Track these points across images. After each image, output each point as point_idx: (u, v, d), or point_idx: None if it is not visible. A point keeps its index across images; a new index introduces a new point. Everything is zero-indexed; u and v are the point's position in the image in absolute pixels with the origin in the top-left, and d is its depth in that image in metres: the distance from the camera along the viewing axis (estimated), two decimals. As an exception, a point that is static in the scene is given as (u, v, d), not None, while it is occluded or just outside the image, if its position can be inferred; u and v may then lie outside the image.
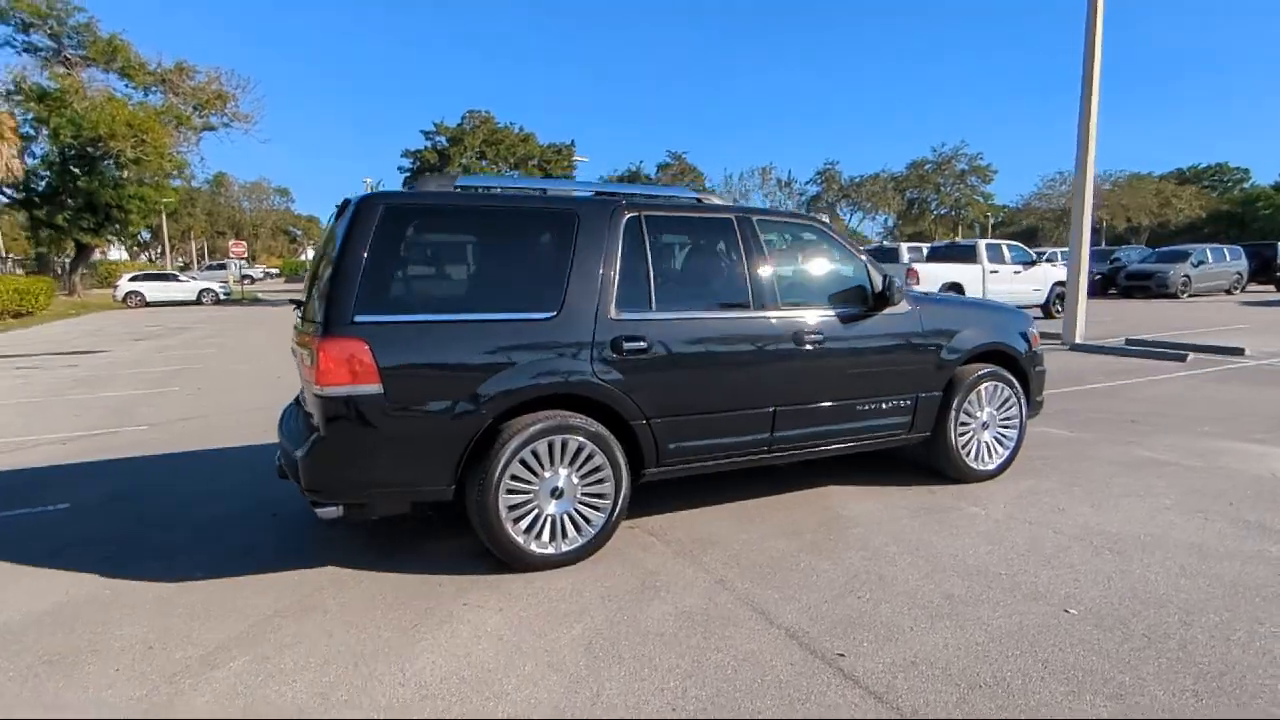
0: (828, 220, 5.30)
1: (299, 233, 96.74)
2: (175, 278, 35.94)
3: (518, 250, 3.86)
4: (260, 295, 41.07)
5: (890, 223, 47.99)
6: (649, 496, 4.77)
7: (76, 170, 33.69)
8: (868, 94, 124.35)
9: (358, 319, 3.37)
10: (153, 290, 33.33)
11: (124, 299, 31.89)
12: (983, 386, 4.97)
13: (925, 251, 18.19)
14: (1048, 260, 18.88)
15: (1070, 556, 3.79)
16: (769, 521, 4.40)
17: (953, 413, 4.85)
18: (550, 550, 3.75)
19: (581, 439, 3.76)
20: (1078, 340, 12.28)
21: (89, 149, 33.03)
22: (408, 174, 31.17)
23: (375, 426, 3.40)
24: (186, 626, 3.26)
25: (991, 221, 58.03)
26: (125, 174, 34.98)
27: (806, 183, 39.14)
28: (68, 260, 40.03)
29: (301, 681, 2.80)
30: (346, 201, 3.73)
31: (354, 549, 4.09)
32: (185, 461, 6.08)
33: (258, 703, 2.67)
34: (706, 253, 4.43)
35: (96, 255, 52.31)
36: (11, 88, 33.42)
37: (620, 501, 3.90)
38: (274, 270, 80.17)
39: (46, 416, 8.07)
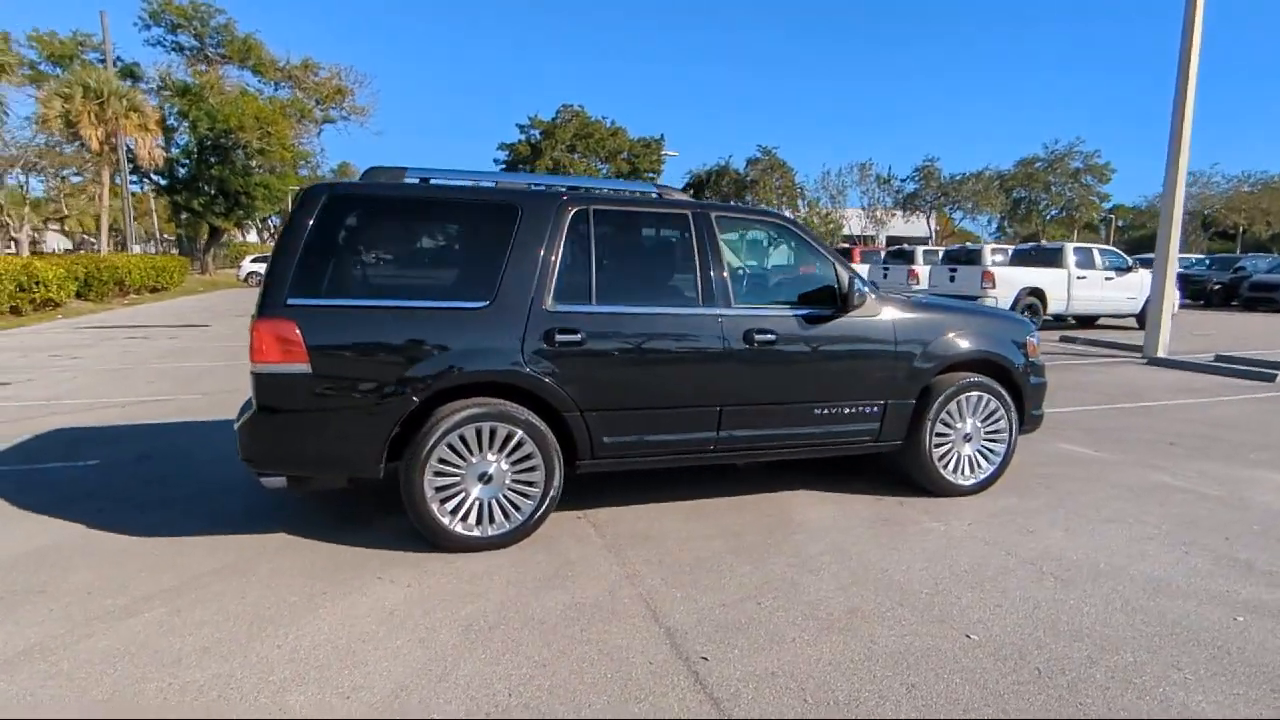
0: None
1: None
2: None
3: (455, 241, 3.95)
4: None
5: (994, 223, 45.55)
6: (607, 488, 4.80)
7: (211, 159, 36.45)
8: (979, 90, 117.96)
9: (290, 301, 3.54)
10: (271, 271, 35.69)
11: (245, 278, 34.31)
12: (964, 397, 4.69)
13: (1010, 254, 17.18)
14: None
15: (1008, 581, 3.55)
16: (717, 521, 4.32)
17: (928, 422, 4.61)
18: (476, 533, 3.83)
19: (511, 427, 3.82)
20: (1159, 354, 11.31)
21: (221, 140, 35.67)
22: (502, 166, 32.09)
23: (304, 403, 3.57)
24: (128, 577, 3.53)
25: (1116, 224, 54.13)
26: (253, 163, 37.57)
27: (904, 180, 37.61)
28: (204, 242, 43.43)
29: (195, 636, 2.99)
30: (300, 190, 3.91)
31: (313, 520, 4.30)
32: (219, 429, 6.53)
33: (144, 651, 2.87)
34: (658, 248, 4.39)
35: (235, 238, 56.54)
36: (159, 83, 36.49)
37: (551, 491, 3.93)
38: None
39: (124, 383, 8.85)
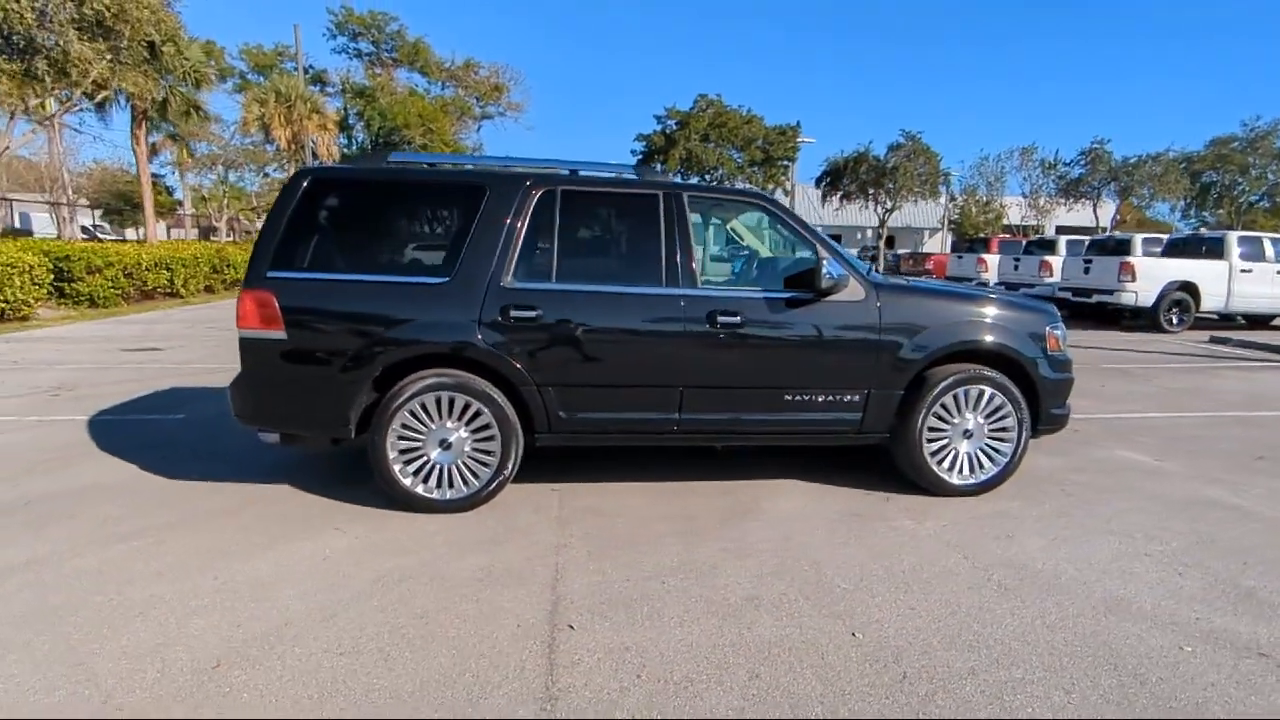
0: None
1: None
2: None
3: (423, 219, 4.15)
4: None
5: (1179, 210, 40.45)
6: (591, 464, 4.87)
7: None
8: (1150, 64, 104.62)
9: (269, 274, 3.89)
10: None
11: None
12: (962, 390, 4.33)
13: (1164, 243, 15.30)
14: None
15: (943, 585, 3.28)
16: (683, 503, 4.29)
17: (919, 416, 4.30)
18: (435, 496, 4.05)
19: (469, 398, 3.99)
20: (1322, 359, 9.72)
21: (391, 137, 38.62)
22: (639, 156, 32.55)
23: (280, 366, 3.92)
24: (143, 512, 4.04)
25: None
26: (421, 157, 40.36)
27: (1068, 164, 34.16)
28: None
29: (157, 563, 3.40)
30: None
31: (319, 476, 4.68)
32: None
33: (111, 571, 3.29)
34: (625, 229, 4.37)
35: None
36: (340, 87, 40.09)
37: (510, 460, 4.07)
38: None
39: (250, 350, 9.92)
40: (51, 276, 13.77)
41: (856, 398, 4.28)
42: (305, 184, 4.02)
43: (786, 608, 3.06)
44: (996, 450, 4.45)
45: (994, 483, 4.45)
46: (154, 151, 40.34)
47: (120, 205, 44.88)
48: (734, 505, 4.28)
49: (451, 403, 4.00)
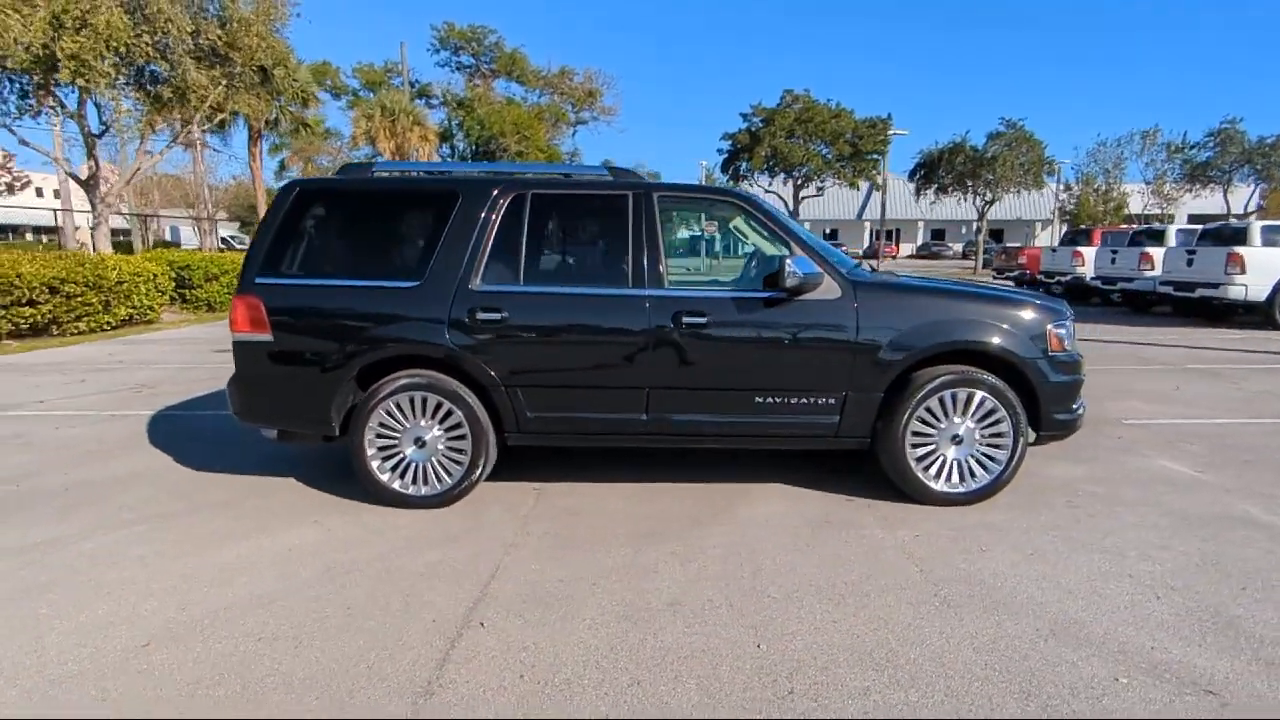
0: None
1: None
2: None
3: (398, 225, 4.29)
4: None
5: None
6: (584, 463, 4.88)
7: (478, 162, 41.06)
8: None
9: (258, 280, 4.14)
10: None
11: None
12: (949, 393, 4.07)
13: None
14: None
15: (884, 599, 3.10)
16: (658, 506, 4.24)
17: (902, 420, 4.07)
18: (409, 491, 4.18)
19: (440, 397, 4.10)
20: None
21: (488, 145, 40.00)
22: (725, 155, 32.25)
23: (269, 367, 4.16)
24: (159, 500, 4.38)
25: None
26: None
27: (1192, 147, 31.10)
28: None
29: (148, 548, 3.67)
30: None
31: (325, 471, 4.93)
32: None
33: (104, 555, 3.59)
34: (594, 230, 4.36)
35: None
36: (441, 99, 41.87)
37: (482, 458, 4.15)
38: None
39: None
40: (173, 284, 15.13)
41: (832, 400, 4.10)
42: (294, 194, 4.25)
43: (705, 615, 2.98)
44: (990, 458, 4.15)
45: (987, 492, 4.16)
46: (284, 167, 43.50)
47: (252, 218, 48.67)
48: (708, 508, 4.19)
49: (425, 402, 4.12)
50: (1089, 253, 16.26)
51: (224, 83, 18.22)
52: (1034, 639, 2.77)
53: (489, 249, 4.12)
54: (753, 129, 30.06)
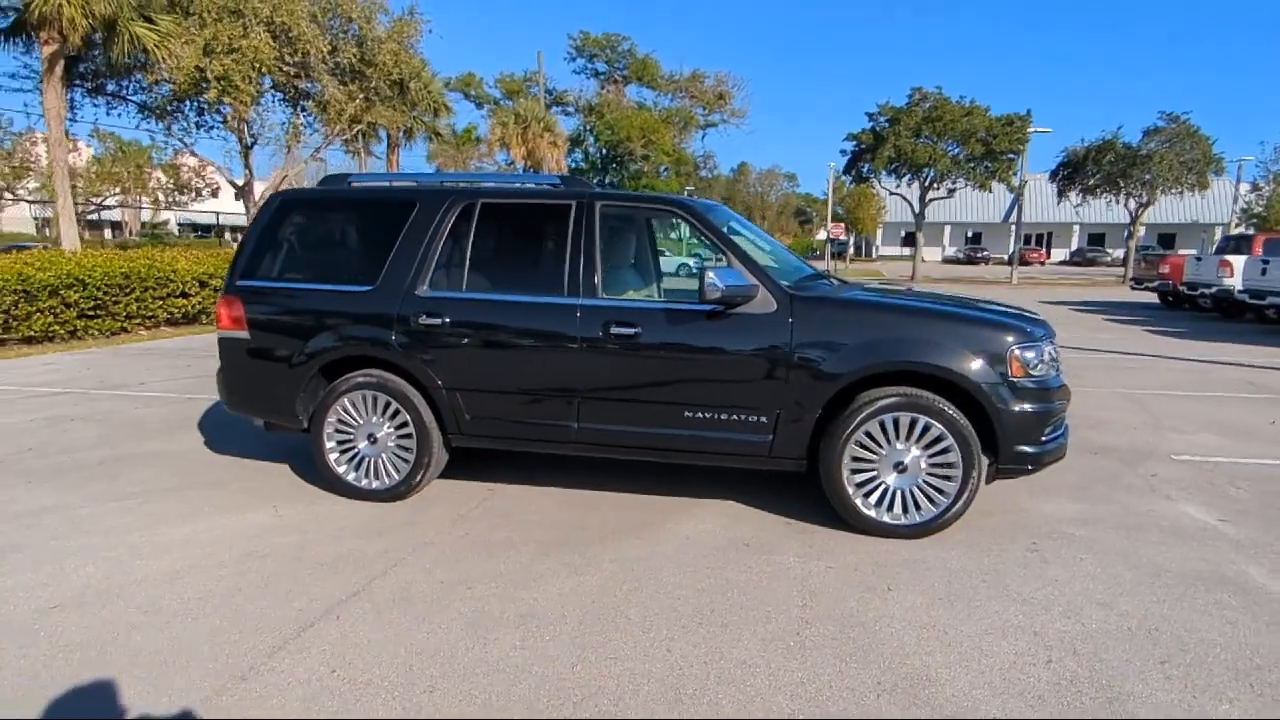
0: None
1: (813, 213, 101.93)
2: (662, 253, 42.68)
3: (359, 233, 4.50)
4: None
5: None
6: (549, 467, 4.91)
7: (610, 166, 42.03)
8: None
9: (239, 283, 4.49)
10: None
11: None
12: (891, 417, 3.74)
13: None
14: None
15: (742, 634, 2.92)
16: (592, 515, 4.20)
17: (839, 443, 3.80)
18: (362, 484, 4.39)
19: (388, 397, 4.28)
20: None
21: (616, 149, 40.82)
22: (848, 155, 31.02)
23: (247, 362, 4.50)
24: (161, 477, 4.86)
25: None
26: (642, 167, 42.26)
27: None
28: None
29: (129, 519, 4.08)
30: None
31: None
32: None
33: (90, 523, 4.03)
34: (538, 239, 4.35)
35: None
36: (574, 106, 43.18)
37: (427, 456, 4.28)
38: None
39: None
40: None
41: (764, 419, 3.89)
42: (276, 204, 4.58)
43: (548, 630, 2.94)
44: (938, 489, 3.78)
45: (934, 525, 3.79)
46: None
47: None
48: (641, 522, 4.10)
49: (376, 400, 4.31)
50: (1238, 262, 14.23)
51: (360, 96, 19.76)
52: (865, 693, 2.51)
53: (436, 257, 4.25)
54: (877, 129, 28.72)
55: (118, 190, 40.84)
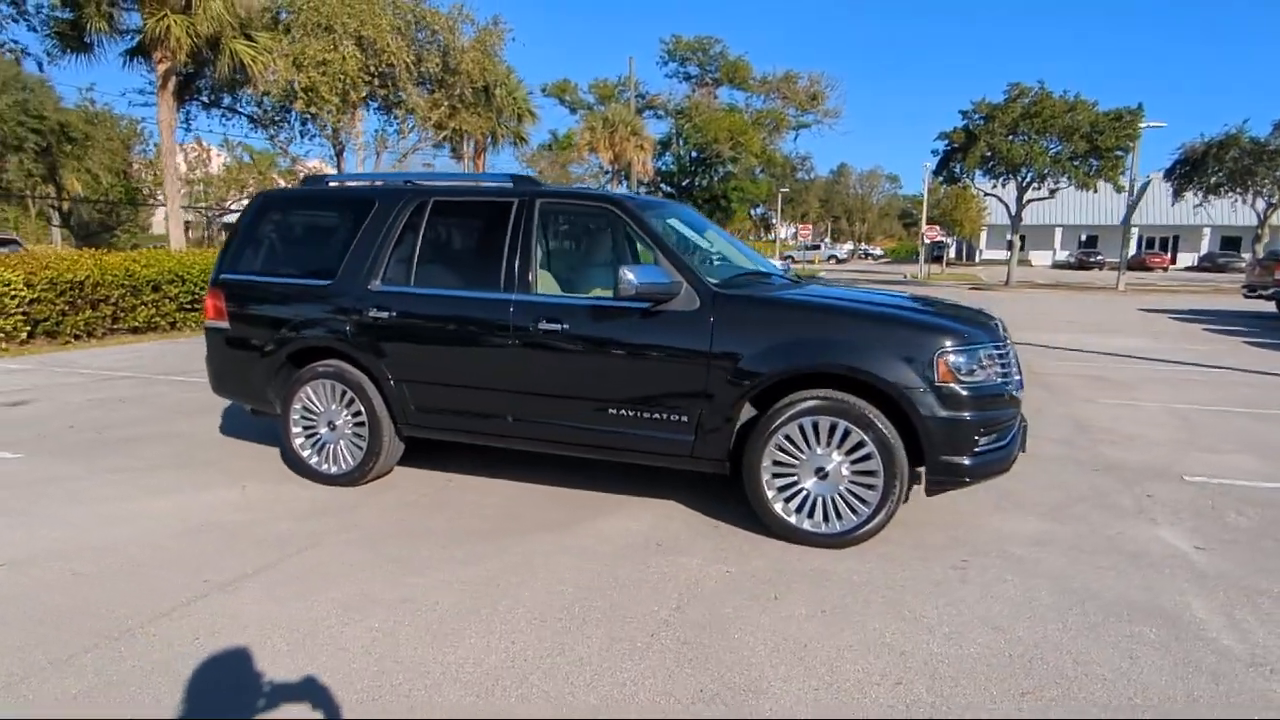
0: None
1: (917, 215, 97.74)
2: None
3: (324, 230, 4.71)
4: (824, 273, 44.26)
5: None
6: (519, 460, 4.97)
7: (698, 169, 41.95)
8: None
9: (222, 276, 4.81)
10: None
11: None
12: (810, 420, 3.58)
13: None
14: None
15: (593, 632, 2.89)
16: (525, 508, 4.25)
17: (761, 446, 3.67)
18: (323, 469, 4.61)
19: (345, 386, 4.47)
20: None
21: (704, 151, 40.68)
22: (940, 154, 29.54)
23: (227, 350, 4.82)
24: (166, 455, 5.26)
25: None
26: (731, 169, 41.93)
27: None
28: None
29: (119, 490, 4.46)
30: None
31: (311, 442, 5.56)
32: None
33: (83, 492, 4.42)
34: (480, 235, 4.41)
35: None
36: (664, 110, 43.34)
37: (380, 443, 4.44)
38: (877, 251, 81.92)
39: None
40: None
41: (685, 419, 3.81)
42: (259, 202, 4.88)
43: (411, 617, 3.00)
44: (859, 498, 3.59)
45: (852, 536, 3.60)
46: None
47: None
48: (571, 517, 4.11)
49: (334, 389, 4.51)
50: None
51: (445, 104, 20.61)
52: (682, 697, 2.43)
53: (390, 252, 4.40)
54: (970, 126, 27.25)
55: (242, 195, 44.26)
